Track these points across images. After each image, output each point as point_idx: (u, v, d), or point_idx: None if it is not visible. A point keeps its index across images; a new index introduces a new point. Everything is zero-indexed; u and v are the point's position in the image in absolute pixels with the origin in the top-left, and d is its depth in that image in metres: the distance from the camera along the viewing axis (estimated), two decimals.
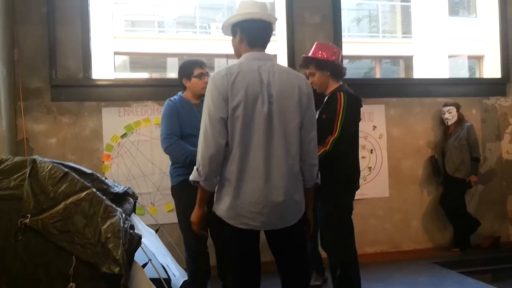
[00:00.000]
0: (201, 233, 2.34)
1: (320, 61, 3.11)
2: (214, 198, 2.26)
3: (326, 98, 3.12)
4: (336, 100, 2.98)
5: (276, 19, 2.38)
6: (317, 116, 2.90)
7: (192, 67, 3.36)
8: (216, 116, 2.11)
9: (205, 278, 3.43)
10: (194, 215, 2.30)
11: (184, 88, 3.44)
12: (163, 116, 3.36)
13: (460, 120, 5.06)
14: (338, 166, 2.96)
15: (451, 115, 5.04)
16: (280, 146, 2.17)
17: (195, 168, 2.18)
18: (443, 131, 5.21)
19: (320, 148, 2.82)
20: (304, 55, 3.23)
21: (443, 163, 5.10)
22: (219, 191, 2.23)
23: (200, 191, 2.23)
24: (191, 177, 2.21)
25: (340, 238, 3.05)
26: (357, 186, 3.18)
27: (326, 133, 2.95)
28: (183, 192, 3.27)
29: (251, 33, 2.26)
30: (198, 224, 2.30)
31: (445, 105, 5.09)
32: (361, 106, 3.14)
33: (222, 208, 2.20)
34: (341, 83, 3.16)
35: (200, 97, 3.36)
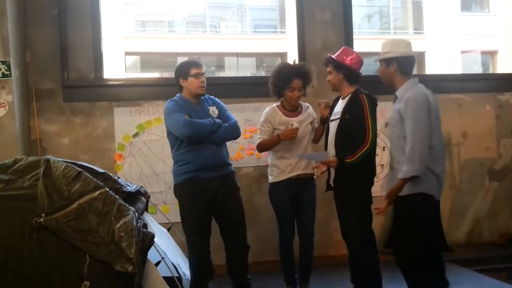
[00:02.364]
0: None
1: (337, 62, 3.34)
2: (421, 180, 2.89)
3: (347, 100, 3.34)
4: (360, 102, 3.24)
5: (417, 53, 3.15)
6: (339, 116, 3.27)
7: (189, 67, 3.40)
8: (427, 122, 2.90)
9: (208, 278, 3.42)
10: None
11: (180, 88, 3.45)
12: (169, 112, 3.32)
13: None
14: (367, 162, 3.25)
15: None
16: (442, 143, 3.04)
17: (414, 166, 2.81)
18: None
19: (360, 148, 3.13)
20: (328, 55, 3.46)
21: None
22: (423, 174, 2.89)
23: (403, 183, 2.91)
24: (412, 173, 2.83)
25: (362, 227, 3.31)
26: (373, 182, 3.43)
27: (349, 132, 3.22)
28: (186, 190, 3.31)
29: (406, 67, 3.06)
30: None
31: None
32: (377, 105, 3.36)
33: (426, 185, 2.90)
34: (356, 87, 3.38)
35: (197, 96, 3.40)
